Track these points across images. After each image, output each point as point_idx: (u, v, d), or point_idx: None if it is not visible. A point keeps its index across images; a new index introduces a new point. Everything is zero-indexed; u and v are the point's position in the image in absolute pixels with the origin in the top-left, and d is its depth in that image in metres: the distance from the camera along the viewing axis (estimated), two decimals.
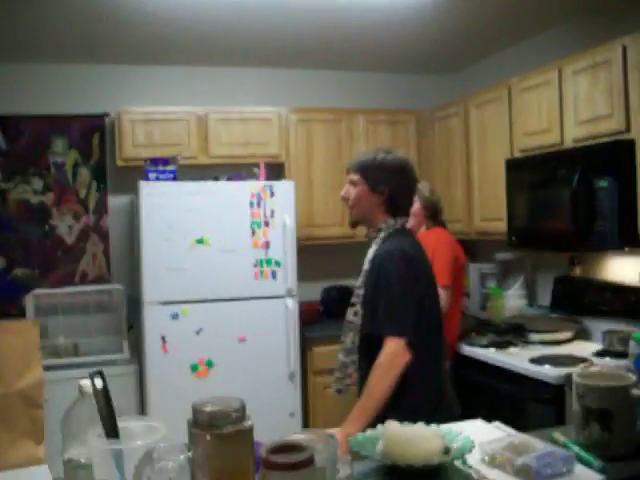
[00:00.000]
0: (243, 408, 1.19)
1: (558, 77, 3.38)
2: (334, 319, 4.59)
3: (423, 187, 3.63)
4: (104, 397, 1.57)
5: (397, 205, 2.37)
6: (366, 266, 2.34)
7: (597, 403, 1.42)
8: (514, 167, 3.70)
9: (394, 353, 2.15)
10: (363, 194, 2.36)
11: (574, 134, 3.29)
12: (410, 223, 3.58)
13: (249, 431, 1.19)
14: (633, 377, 1.45)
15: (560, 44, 3.93)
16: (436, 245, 3.44)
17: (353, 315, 2.35)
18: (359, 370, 2.34)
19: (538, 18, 3.89)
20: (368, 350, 2.26)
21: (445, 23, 3.95)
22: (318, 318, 4.65)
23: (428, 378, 2.27)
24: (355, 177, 2.38)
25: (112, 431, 1.38)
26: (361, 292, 2.34)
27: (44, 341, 3.88)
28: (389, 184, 2.34)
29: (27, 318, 3.96)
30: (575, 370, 1.58)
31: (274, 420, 3.50)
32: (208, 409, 1.15)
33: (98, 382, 1.59)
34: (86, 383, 1.58)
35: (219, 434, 1.14)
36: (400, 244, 2.30)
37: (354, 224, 2.47)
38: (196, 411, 1.15)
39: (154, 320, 3.82)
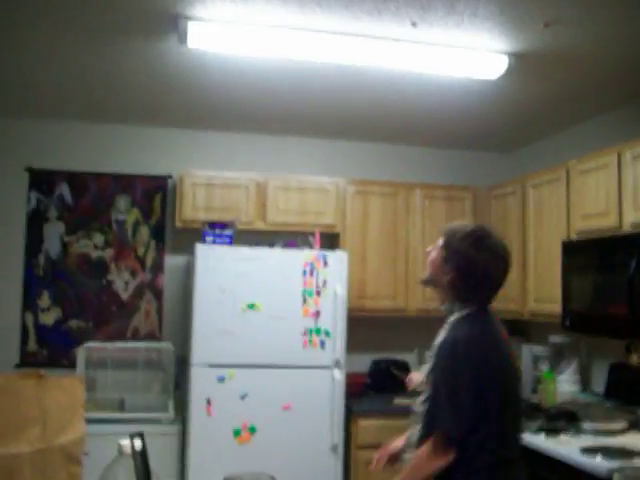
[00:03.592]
0: None
1: (617, 161, 3.36)
2: (381, 393, 4.54)
3: None
4: (142, 459, 1.59)
5: (463, 290, 2.19)
6: (433, 352, 2.19)
7: None
8: (570, 249, 3.65)
9: (433, 449, 2.05)
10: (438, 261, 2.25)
11: (632, 219, 3.24)
12: None
13: None
14: None
15: (618, 128, 3.92)
16: None
17: (420, 403, 2.19)
18: None
19: (596, 102, 3.91)
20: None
21: (506, 103, 3.99)
22: (365, 391, 4.60)
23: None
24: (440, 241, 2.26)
25: None
26: (428, 380, 2.17)
27: (91, 394, 3.94)
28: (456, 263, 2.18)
29: (77, 370, 4.04)
30: (628, 464, 1.51)
31: None
32: None
33: (137, 443, 1.61)
34: (126, 443, 1.60)
35: None
36: (470, 330, 2.13)
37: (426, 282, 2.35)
38: None
39: (200, 382, 3.84)
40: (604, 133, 4.04)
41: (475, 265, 2.14)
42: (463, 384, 2.05)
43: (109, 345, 4.29)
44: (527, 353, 4.26)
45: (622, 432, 3.36)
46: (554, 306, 3.77)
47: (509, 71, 3.35)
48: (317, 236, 4.30)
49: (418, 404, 2.18)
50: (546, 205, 4.02)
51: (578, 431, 3.37)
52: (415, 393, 2.29)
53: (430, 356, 2.19)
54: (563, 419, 3.50)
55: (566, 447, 3.13)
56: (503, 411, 2.10)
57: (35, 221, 4.50)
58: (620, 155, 3.35)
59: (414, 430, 2.19)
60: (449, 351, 2.11)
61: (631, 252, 3.07)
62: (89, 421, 3.42)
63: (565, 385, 3.98)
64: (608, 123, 4.09)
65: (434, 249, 2.28)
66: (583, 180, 3.65)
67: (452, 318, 2.19)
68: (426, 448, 2.07)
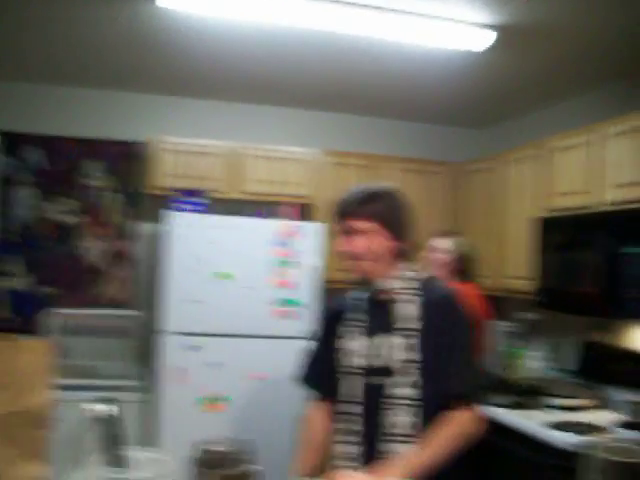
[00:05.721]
0: (253, 451, 1.16)
1: (598, 138, 3.35)
2: None
3: (463, 241, 3.60)
4: (113, 424, 1.55)
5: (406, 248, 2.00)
6: (410, 324, 1.89)
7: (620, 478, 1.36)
8: (547, 226, 3.65)
9: (471, 425, 1.86)
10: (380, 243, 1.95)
11: (611, 197, 3.24)
12: (440, 272, 3.55)
13: (258, 474, 1.16)
14: None
15: (598, 107, 3.92)
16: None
17: (407, 387, 1.86)
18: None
19: (577, 79, 3.89)
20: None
21: (486, 77, 3.96)
22: None
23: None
24: (366, 225, 1.95)
25: (118, 460, 1.36)
26: (412, 357, 1.86)
27: (64, 361, 3.89)
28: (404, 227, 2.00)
29: (44, 336, 3.98)
30: (596, 440, 1.52)
31: (286, 462, 3.43)
32: (218, 449, 1.12)
33: (108, 408, 1.57)
34: (96, 408, 1.57)
35: (228, 475, 1.11)
36: (448, 287, 2.02)
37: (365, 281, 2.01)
38: (205, 450, 1.12)
39: (172, 350, 3.81)
40: (583, 112, 4.04)
41: (408, 224, 2.03)
42: (469, 343, 1.92)
43: (77, 312, 4.24)
44: (499, 329, 4.29)
45: (589, 409, 3.41)
46: (528, 283, 3.79)
47: (492, 45, 3.32)
48: (293, 207, 4.26)
49: (407, 388, 1.86)
50: (524, 182, 4.02)
51: (546, 406, 3.41)
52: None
53: (392, 331, 1.90)
54: (531, 394, 3.53)
55: (533, 421, 3.17)
56: None
57: (7, 186, 4.39)
58: (600, 133, 3.34)
59: (399, 419, 1.87)
60: (449, 311, 1.91)
61: (606, 231, 3.09)
62: (61, 388, 3.40)
63: (535, 362, 4.02)
64: (587, 102, 4.08)
65: (362, 240, 1.95)
66: (562, 157, 3.65)
67: (407, 286, 1.94)
68: (461, 423, 1.84)
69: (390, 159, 4.74)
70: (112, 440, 1.51)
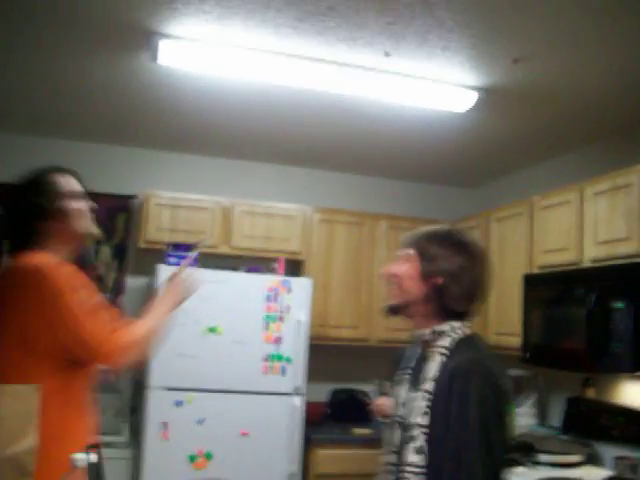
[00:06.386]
0: None
1: (579, 198, 3.43)
2: (340, 423, 4.51)
3: None
4: (96, 473, 1.54)
5: (446, 304, 1.81)
6: (428, 386, 1.73)
7: None
8: (531, 283, 3.70)
9: None
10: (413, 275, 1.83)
11: (592, 254, 3.30)
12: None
13: None
14: None
15: (581, 167, 4.03)
16: None
17: (415, 453, 1.70)
18: None
19: (562, 140, 4.01)
20: None
21: (473, 137, 4.07)
22: (324, 420, 4.56)
23: None
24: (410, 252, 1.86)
25: None
26: (424, 422, 1.70)
27: None
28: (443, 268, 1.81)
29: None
30: None
31: None
32: None
33: (92, 457, 1.57)
34: (80, 457, 1.56)
35: None
36: (477, 355, 1.75)
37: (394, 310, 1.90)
38: None
39: (157, 405, 3.77)
40: (568, 170, 4.14)
41: (461, 270, 1.79)
42: (491, 425, 1.65)
43: None
44: None
45: (578, 465, 3.40)
46: (514, 339, 3.80)
47: (478, 105, 3.42)
48: (281, 262, 4.29)
49: (412, 454, 1.71)
50: (509, 240, 4.08)
51: (535, 463, 3.39)
52: (383, 419, 2.03)
53: (424, 391, 1.74)
54: (520, 451, 3.51)
55: (523, 478, 3.14)
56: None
57: None
58: (582, 192, 3.42)
59: None
60: (464, 383, 1.67)
61: (591, 287, 3.12)
62: None
63: (523, 418, 4.00)
64: (572, 161, 4.19)
65: (400, 264, 1.87)
66: (546, 215, 3.72)
67: (441, 344, 1.78)
68: None
69: (379, 217, 4.80)
70: None
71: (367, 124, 3.92)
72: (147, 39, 2.93)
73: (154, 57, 3.02)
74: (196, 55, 3.01)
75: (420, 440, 1.70)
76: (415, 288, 1.82)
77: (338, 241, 4.67)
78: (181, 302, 2.36)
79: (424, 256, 1.82)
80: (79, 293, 2.01)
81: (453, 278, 1.78)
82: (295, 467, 3.93)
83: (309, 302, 4.11)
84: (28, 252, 2.05)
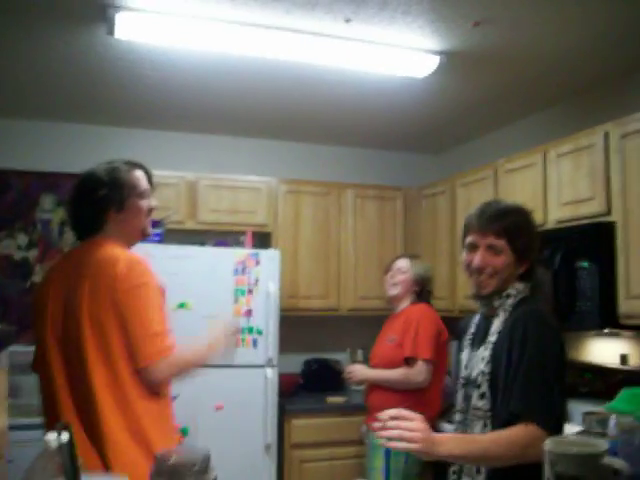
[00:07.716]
0: (207, 460, 1.16)
1: (543, 160, 3.47)
2: (314, 392, 4.54)
3: (420, 264, 3.65)
4: (69, 452, 1.53)
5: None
6: (491, 338, 1.90)
7: (568, 470, 1.39)
8: None
9: (531, 443, 1.67)
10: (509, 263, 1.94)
11: (557, 215, 3.34)
12: (397, 290, 3.60)
13: None
14: (605, 445, 1.43)
15: (545, 129, 4.06)
16: (420, 319, 3.43)
17: (479, 398, 1.86)
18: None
19: (524, 103, 4.03)
20: None
21: (436, 102, 4.07)
22: (298, 390, 4.58)
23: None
24: (498, 242, 1.93)
25: None
26: (487, 369, 1.86)
27: (15, 400, 3.79)
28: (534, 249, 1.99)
29: None
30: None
31: None
32: (171, 459, 1.12)
33: (64, 436, 1.55)
34: (52, 437, 1.54)
35: None
36: (538, 306, 1.91)
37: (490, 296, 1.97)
38: (159, 460, 1.12)
39: None
40: (532, 133, 4.17)
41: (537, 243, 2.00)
42: (551, 364, 1.80)
43: (31, 350, 4.13)
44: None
45: None
46: None
47: (439, 70, 3.41)
48: (249, 235, 4.27)
49: (477, 399, 1.87)
50: (475, 204, 4.04)
51: None
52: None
53: (488, 342, 1.90)
54: None
55: None
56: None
57: None
58: (545, 154, 3.45)
59: (476, 430, 1.86)
60: (529, 323, 1.83)
61: (555, 248, 3.16)
62: (13, 427, 3.31)
63: None
64: (536, 124, 4.22)
65: (494, 257, 1.93)
66: (510, 179, 3.74)
67: (506, 304, 1.93)
68: (522, 439, 1.71)
69: (346, 186, 4.79)
70: (68, 469, 1.48)
71: (329, 93, 3.89)
72: (103, 12, 2.86)
73: (111, 30, 2.95)
74: (153, 27, 2.95)
75: (484, 386, 1.86)
76: (510, 275, 1.94)
77: (305, 212, 4.66)
78: (215, 355, 2.47)
79: (513, 245, 1.92)
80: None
81: (529, 254, 1.96)
82: (271, 438, 3.95)
83: (278, 274, 4.10)
84: (97, 239, 2.19)
